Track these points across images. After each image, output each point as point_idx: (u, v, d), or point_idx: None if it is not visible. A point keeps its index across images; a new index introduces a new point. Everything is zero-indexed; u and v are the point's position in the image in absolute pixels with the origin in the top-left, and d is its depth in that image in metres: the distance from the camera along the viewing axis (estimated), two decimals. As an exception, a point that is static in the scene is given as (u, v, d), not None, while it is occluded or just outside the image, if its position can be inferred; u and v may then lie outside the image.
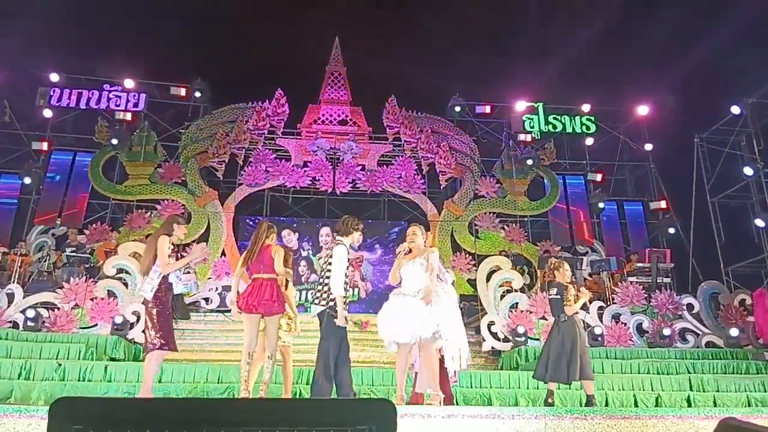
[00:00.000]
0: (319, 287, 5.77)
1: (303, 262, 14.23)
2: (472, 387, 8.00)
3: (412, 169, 15.03)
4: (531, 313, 10.89)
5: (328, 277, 5.65)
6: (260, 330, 5.91)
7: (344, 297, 5.61)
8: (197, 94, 14.96)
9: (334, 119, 15.59)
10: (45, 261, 12.16)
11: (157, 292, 5.61)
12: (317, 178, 14.66)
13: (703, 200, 14.06)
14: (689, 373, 9.05)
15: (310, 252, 14.37)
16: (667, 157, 15.50)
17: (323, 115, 15.60)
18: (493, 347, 10.85)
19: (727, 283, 12.81)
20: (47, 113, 14.22)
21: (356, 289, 13.72)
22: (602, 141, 15.92)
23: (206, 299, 12.90)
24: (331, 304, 5.58)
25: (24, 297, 10.21)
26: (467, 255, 14.01)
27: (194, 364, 8.69)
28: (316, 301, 5.72)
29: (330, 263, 5.69)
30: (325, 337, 5.62)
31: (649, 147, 15.60)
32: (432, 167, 15.12)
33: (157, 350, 5.58)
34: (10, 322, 9.87)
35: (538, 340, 10.65)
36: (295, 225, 14.70)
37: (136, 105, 14.45)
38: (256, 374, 6.15)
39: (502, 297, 11.27)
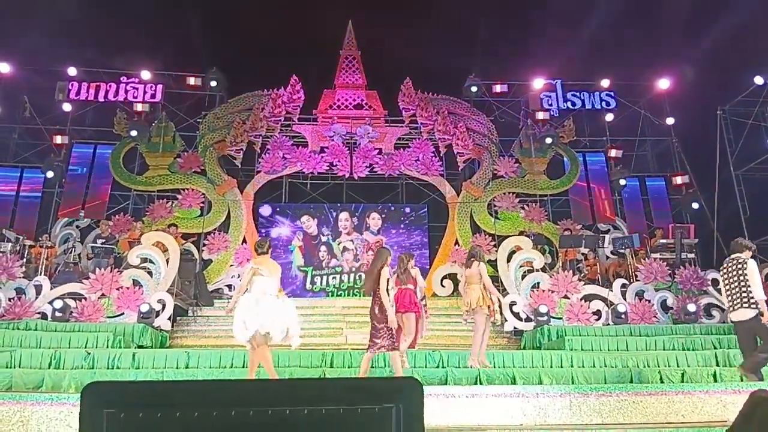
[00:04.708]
0: (744, 295, 6.71)
1: (323, 248, 14.29)
2: (495, 367, 7.98)
3: (430, 151, 14.94)
4: (553, 292, 10.84)
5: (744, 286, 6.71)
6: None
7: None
8: (213, 84, 15.02)
9: (350, 104, 15.54)
10: (71, 253, 12.39)
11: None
12: (335, 164, 14.66)
13: (727, 174, 13.80)
14: (715, 348, 8.92)
15: (330, 237, 14.42)
16: (689, 130, 15.19)
17: (338, 99, 15.56)
18: (515, 327, 10.86)
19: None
20: (66, 107, 14.36)
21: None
22: (622, 116, 15.60)
23: (229, 286, 13.10)
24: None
25: (51, 288, 10.43)
26: (487, 236, 13.96)
27: (220, 349, 8.82)
28: (746, 305, 6.69)
29: (744, 274, 6.78)
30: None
31: (670, 121, 15.31)
32: (449, 149, 15.00)
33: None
34: (39, 313, 10.11)
35: (560, 319, 10.61)
36: (313, 211, 14.75)
37: (153, 96, 14.55)
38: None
39: (523, 277, 11.22)
